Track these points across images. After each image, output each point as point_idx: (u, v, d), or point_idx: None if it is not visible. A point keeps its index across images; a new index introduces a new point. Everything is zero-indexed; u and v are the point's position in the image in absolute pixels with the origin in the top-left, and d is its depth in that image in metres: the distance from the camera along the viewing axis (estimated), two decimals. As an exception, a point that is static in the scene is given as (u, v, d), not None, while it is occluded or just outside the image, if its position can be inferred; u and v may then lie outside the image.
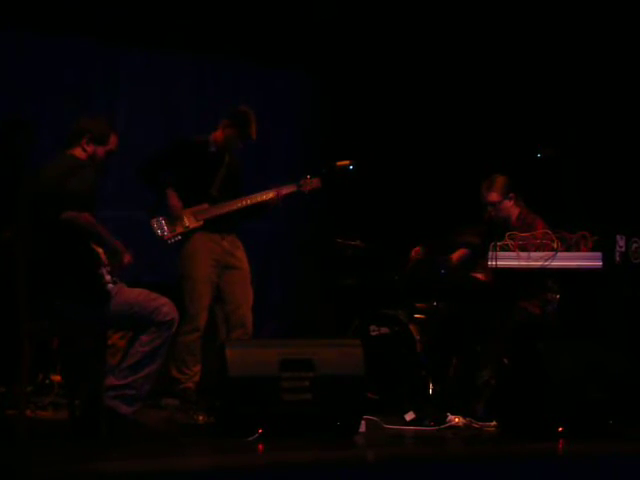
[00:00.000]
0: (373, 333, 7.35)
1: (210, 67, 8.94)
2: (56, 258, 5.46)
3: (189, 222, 6.99)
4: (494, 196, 6.91)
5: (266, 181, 7.31)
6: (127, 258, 5.65)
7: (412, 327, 7.25)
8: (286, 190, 7.18)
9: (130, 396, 5.60)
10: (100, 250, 5.58)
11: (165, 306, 5.65)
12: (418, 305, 7.46)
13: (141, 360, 5.60)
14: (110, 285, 5.54)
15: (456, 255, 7.23)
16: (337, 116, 9.13)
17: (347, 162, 7.39)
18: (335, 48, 8.93)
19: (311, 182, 7.24)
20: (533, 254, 6.18)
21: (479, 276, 6.94)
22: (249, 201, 7.10)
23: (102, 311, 5.51)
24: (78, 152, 5.75)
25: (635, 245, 6.06)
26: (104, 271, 5.53)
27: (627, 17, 8.10)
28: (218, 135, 7.12)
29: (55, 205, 5.44)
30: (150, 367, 5.63)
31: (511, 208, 6.93)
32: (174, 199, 6.95)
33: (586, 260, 6.10)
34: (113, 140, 5.84)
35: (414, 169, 8.90)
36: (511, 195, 6.92)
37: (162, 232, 6.95)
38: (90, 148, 5.75)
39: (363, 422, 5.80)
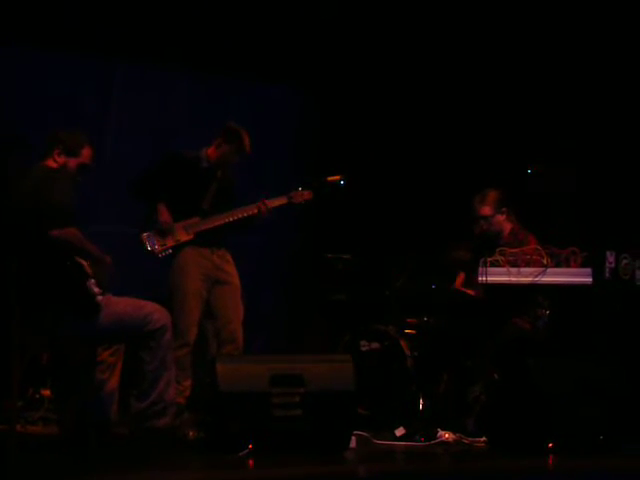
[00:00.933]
0: (364, 348, 7.35)
1: (202, 82, 8.95)
2: (44, 274, 5.45)
3: (180, 235, 6.99)
4: (486, 210, 6.92)
5: (257, 194, 7.31)
6: (108, 262, 5.64)
7: (402, 342, 7.25)
8: (277, 202, 7.20)
9: (160, 410, 5.73)
10: (84, 263, 5.56)
11: (155, 313, 5.66)
12: (409, 320, 7.47)
13: (154, 378, 5.69)
14: (99, 297, 5.53)
15: (458, 282, 7.23)
16: (328, 130, 9.15)
17: (337, 177, 7.42)
18: (326, 63, 8.95)
19: (302, 194, 7.26)
20: (523, 270, 6.19)
21: (469, 292, 6.95)
22: (239, 214, 7.11)
23: (93, 324, 5.50)
24: (50, 163, 5.75)
25: (625, 261, 6.07)
26: (91, 283, 5.52)
27: (620, 37, 8.14)
28: (211, 152, 7.13)
29: (40, 222, 5.43)
30: (166, 376, 5.72)
31: (503, 223, 6.94)
32: (164, 213, 6.95)
33: (576, 276, 6.13)
34: (86, 152, 5.83)
35: (405, 183, 8.92)
36: (503, 210, 6.92)
37: (152, 245, 6.94)
38: (61, 159, 5.75)
39: (353, 437, 5.80)
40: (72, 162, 5.77)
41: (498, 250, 6.28)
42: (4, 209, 5.41)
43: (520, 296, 6.45)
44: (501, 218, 6.93)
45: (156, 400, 5.70)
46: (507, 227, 6.93)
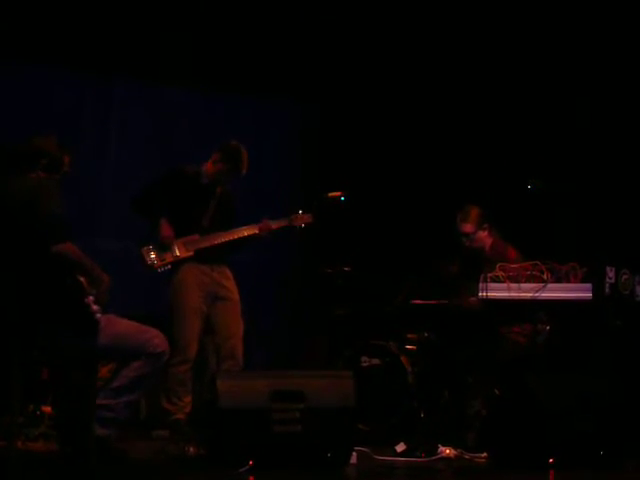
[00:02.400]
0: (364, 364, 7.34)
1: (202, 96, 8.96)
2: (43, 289, 5.43)
3: (179, 252, 7.00)
4: (469, 227, 7.02)
5: (257, 211, 7.32)
6: (106, 280, 5.59)
7: (403, 358, 7.25)
8: (277, 224, 7.20)
9: (107, 419, 5.59)
10: (82, 279, 5.53)
11: (156, 338, 5.63)
12: (409, 336, 7.46)
13: (126, 385, 5.59)
14: (98, 315, 5.50)
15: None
16: (330, 145, 9.17)
17: (338, 193, 7.42)
18: (326, 78, 8.98)
19: (302, 217, 7.27)
20: (523, 285, 6.20)
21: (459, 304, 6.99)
22: (240, 234, 7.12)
23: (92, 341, 5.49)
24: (34, 176, 5.56)
25: (625, 277, 6.08)
26: (90, 301, 5.49)
27: (621, 49, 8.16)
28: (208, 167, 7.15)
29: (38, 237, 5.39)
30: (132, 395, 5.62)
31: (485, 238, 7.04)
32: (166, 228, 6.97)
33: (576, 291, 6.12)
34: (66, 162, 5.72)
35: (406, 199, 8.93)
36: (485, 226, 7.02)
37: (152, 260, 6.96)
38: (44, 175, 5.57)
39: (354, 453, 5.80)
40: (55, 176, 5.69)
41: (499, 265, 6.30)
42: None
43: (518, 311, 6.46)
44: (483, 234, 7.03)
45: (110, 407, 5.59)
46: (488, 242, 7.02)
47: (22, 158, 5.60)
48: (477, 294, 6.43)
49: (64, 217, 5.45)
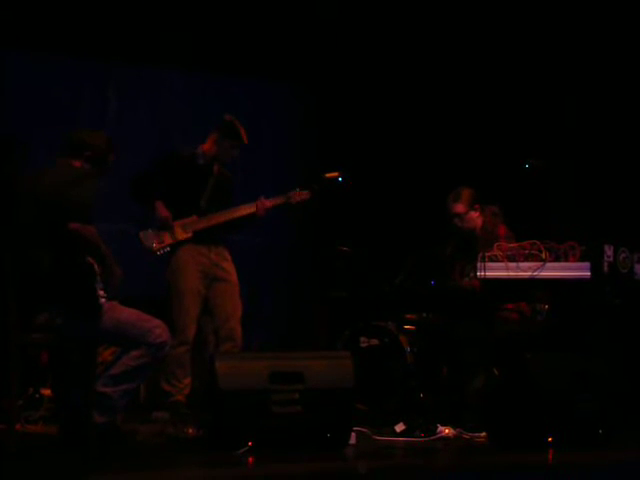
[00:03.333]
0: (363, 345, 7.35)
1: (201, 80, 8.95)
2: (52, 269, 5.44)
3: (178, 234, 6.99)
4: (460, 207, 7.07)
5: (255, 192, 7.31)
6: (118, 273, 5.62)
7: (402, 338, 7.25)
8: (275, 202, 7.19)
9: (105, 406, 5.58)
10: (94, 264, 5.54)
11: (157, 328, 5.63)
12: (408, 316, 7.47)
13: (125, 373, 5.59)
14: (103, 300, 5.51)
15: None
16: (325, 127, 9.16)
17: (336, 174, 7.41)
18: (327, 61, 8.97)
19: (300, 194, 7.25)
20: (522, 264, 6.21)
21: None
22: (237, 213, 7.12)
23: (93, 325, 5.49)
24: (76, 164, 5.71)
25: (623, 255, 6.08)
26: (97, 286, 5.50)
27: (619, 29, 8.14)
28: (207, 148, 7.13)
29: (59, 215, 5.44)
30: (131, 383, 5.62)
31: (477, 219, 7.09)
32: (163, 211, 6.96)
33: (574, 270, 6.12)
34: (110, 160, 5.83)
35: (403, 180, 8.93)
36: (476, 206, 7.06)
37: (150, 243, 6.95)
38: (88, 166, 5.72)
39: (353, 434, 5.81)
40: (99, 169, 5.78)
41: (496, 245, 6.31)
42: (21, 204, 5.43)
43: (511, 289, 6.46)
44: (474, 215, 7.08)
45: (108, 394, 5.58)
46: (479, 222, 7.07)
47: (67, 146, 5.76)
48: (473, 274, 6.45)
49: (92, 205, 5.52)
